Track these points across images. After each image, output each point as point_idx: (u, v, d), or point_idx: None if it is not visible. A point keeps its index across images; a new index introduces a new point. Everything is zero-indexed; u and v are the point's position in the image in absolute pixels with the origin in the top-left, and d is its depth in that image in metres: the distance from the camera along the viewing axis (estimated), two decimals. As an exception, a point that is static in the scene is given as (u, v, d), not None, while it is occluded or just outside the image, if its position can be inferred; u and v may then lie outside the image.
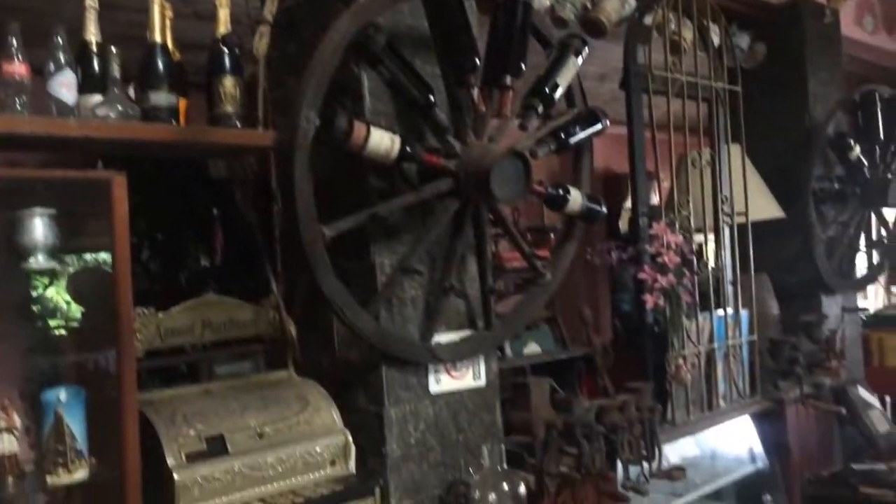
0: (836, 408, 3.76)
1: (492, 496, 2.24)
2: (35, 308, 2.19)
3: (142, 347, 1.94)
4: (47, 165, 2.25)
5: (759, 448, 3.86)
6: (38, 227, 1.71)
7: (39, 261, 1.71)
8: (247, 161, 2.50)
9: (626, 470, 2.84)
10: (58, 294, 2.22)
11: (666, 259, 2.93)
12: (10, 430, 1.67)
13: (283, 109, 2.29)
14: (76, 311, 2.14)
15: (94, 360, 1.94)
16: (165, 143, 2.06)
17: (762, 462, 3.87)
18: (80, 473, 1.74)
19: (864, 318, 5.11)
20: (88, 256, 2.23)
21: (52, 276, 2.17)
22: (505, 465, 2.50)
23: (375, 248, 2.26)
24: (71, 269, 2.19)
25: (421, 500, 2.32)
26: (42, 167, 2.30)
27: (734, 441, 3.82)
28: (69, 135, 1.82)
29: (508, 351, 2.90)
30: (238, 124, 2.20)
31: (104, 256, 1.86)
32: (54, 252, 1.75)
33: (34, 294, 2.19)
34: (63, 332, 2.16)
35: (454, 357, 2.40)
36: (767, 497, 3.86)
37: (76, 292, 2.12)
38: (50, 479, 1.71)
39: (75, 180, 1.83)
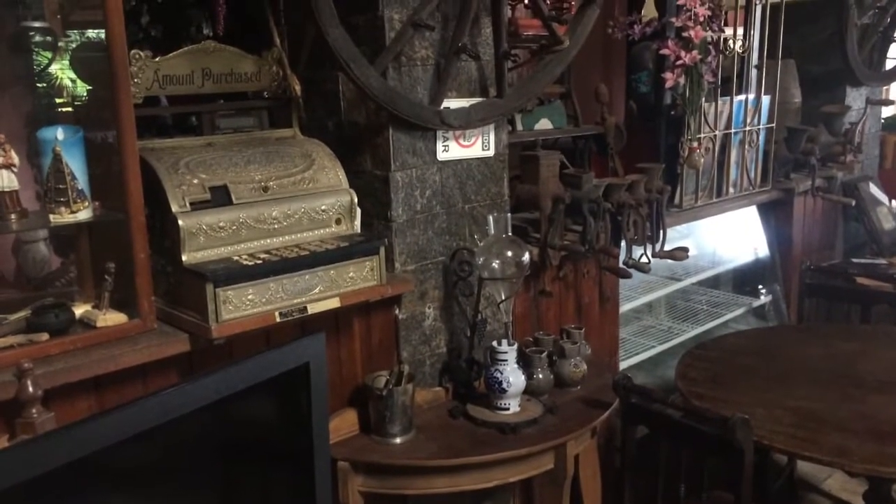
0: (846, 199, 3.74)
1: (495, 262, 2.25)
2: (40, 85, 2.11)
3: (139, 92, 1.86)
4: None
5: (761, 240, 3.89)
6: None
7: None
8: None
9: (629, 248, 2.85)
10: (62, 71, 2.14)
11: (692, 33, 2.77)
12: (8, 166, 1.63)
13: None
14: (82, 89, 2.05)
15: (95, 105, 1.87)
16: None
17: (763, 253, 3.92)
18: (84, 214, 1.72)
19: (882, 119, 5.00)
20: (91, 33, 2.12)
21: (54, 50, 2.07)
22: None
23: (385, 0, 2.11)
24: (73, 45, 2.09)
25: (426, 265, 2.35)
26: None
27: (737, 231, 3.85)
28: None
29: (519, 125, 2.82)
30: None
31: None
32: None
33: (36, 69, 2.10)
34: (70, 109, 2.09)
35: (463, 123, 2.32)
36: (762, 287, 3.95)
37: (80, 69, 2.02)
38: (53, 218, 1.70)
39: None
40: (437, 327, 2.40)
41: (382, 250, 2.06)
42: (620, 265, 2.86)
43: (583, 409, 2.36)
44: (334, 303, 1.94)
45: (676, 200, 3.14)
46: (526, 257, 2.28)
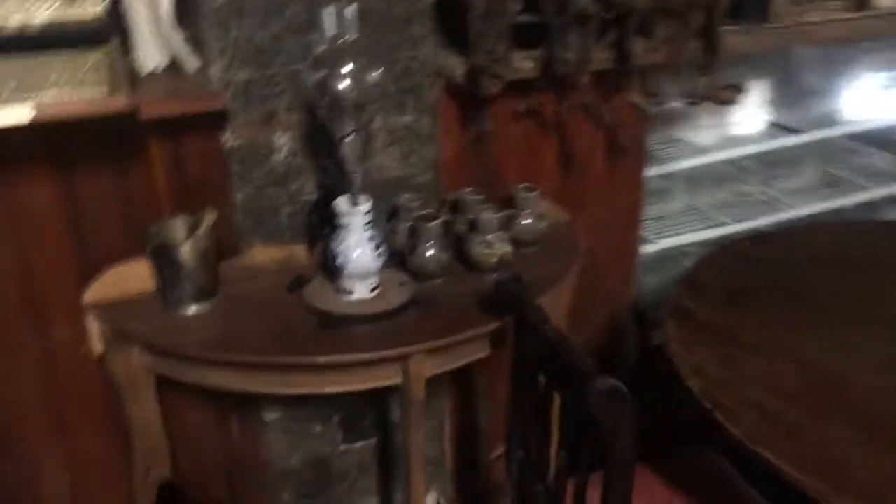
0: None
1: (342, 82, 1.48)
2: None
3: None
4: None
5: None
6: None
7: None
8: None
9: (657, 80, 1.89)
10: None
11: None
12: None
13: None
14: None
15: None
16: None
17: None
18: None
19: None
20: None
21: None
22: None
23: None
24: None
25: (272, 75, 1.63)
26: None
27: None
28: None
29: None
30: None
31: None
32: None
33: None
34: None
35: None
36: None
37: None
38: None
39: None
40: (296, 165, 1.72)
41: (117, 41, 1.38)
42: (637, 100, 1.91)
43: (469, 311, 1.61)
44: (23, 115, 1.34)
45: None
46: (377, 74, 1.48)
